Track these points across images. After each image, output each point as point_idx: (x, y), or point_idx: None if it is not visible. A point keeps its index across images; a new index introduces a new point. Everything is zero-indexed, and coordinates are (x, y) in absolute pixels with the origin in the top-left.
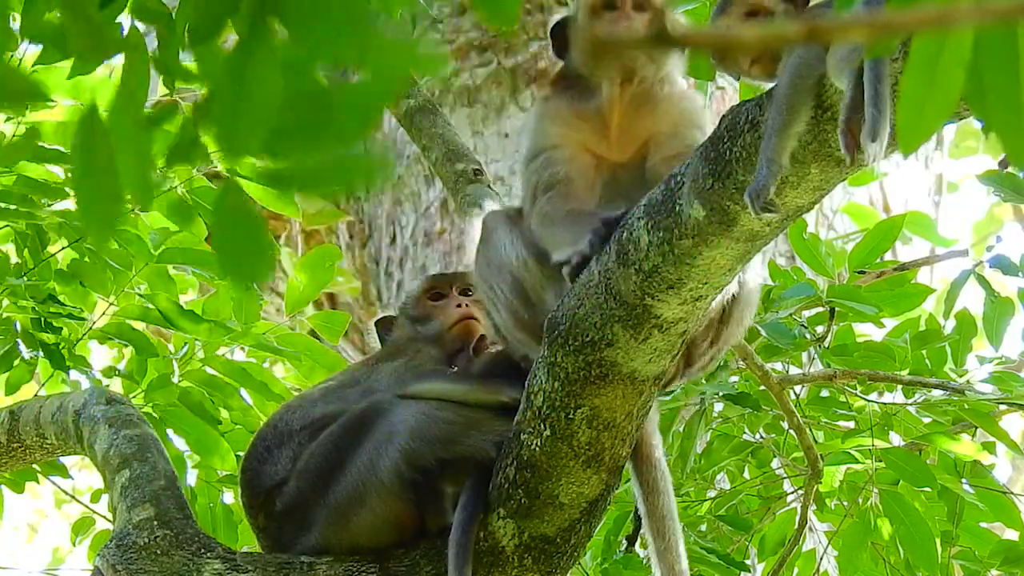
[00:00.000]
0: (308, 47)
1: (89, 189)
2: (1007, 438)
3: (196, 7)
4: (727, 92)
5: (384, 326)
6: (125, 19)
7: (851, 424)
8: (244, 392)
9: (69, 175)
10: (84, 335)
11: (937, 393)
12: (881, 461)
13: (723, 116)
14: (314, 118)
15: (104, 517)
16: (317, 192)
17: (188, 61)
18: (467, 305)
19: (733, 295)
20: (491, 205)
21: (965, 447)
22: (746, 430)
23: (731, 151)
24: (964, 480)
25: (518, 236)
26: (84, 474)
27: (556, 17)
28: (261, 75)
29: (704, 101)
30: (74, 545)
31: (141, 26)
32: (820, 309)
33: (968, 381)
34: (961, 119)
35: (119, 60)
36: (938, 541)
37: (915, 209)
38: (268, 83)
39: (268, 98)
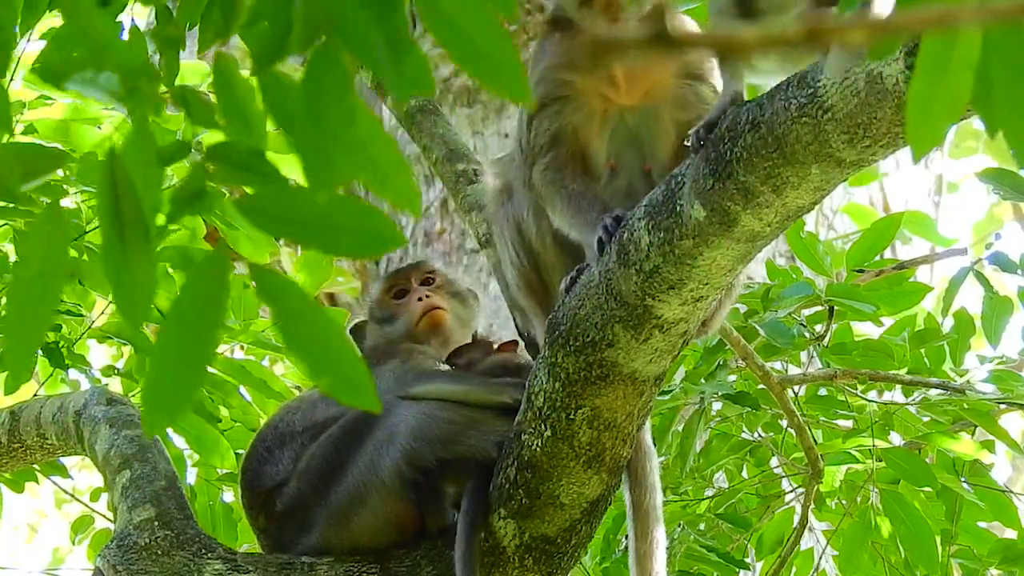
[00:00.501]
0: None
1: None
2: (1007, 437)
3: (257, 31)
4: None
5: (359, 332)
6: (126, 19)
7: (850, 423)
8: (244, 390)
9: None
10: (83, 334)
11: (936, 392)
12: (881, 460)
13: (723, 116)
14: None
15: (104, 516)
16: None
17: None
18: (428, 295)
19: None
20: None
21: (964, 446)
22: (745, 429)
23: (732, 151)
24: (963, 479)
25: (541, 208)
26: (84, 474)
27: None
28: (334, 95)
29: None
30: (74, 545)
31: (141, 23)
32: (819, 308)
33: (968, 380)
34: (963, 119)
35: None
36: (938, 540)
37: (915, 209)
38: (344, 106)
39: (346, 115)
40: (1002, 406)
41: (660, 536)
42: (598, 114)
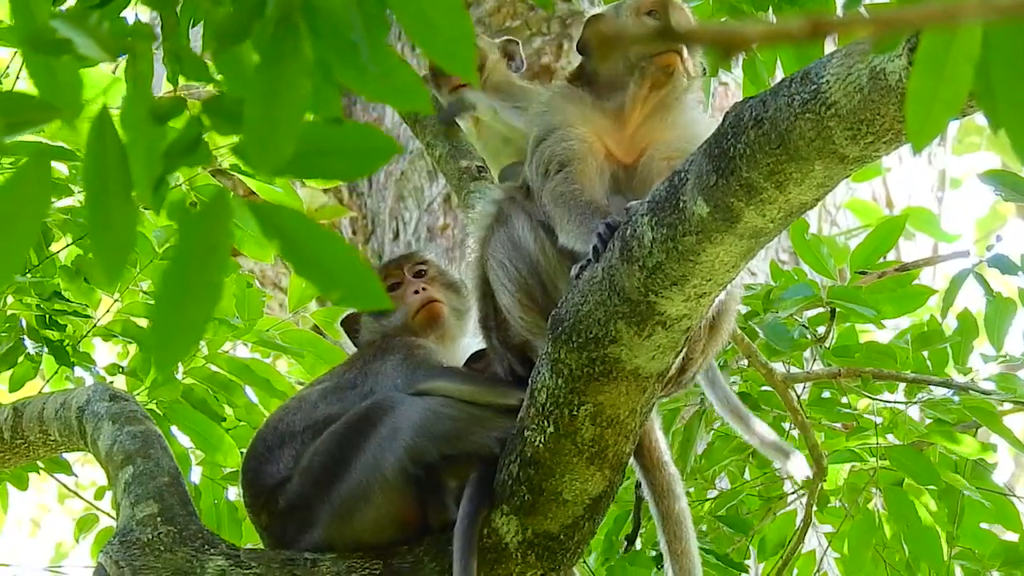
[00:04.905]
0: (332, 50)
1: (101, 216)
2: (1011, 436)
3: (217, 12)
4: (730, 88)
5: (350, 324)
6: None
7: (853, 424)
8: (248, 389)
9: (80, 182)
10: (88, 332)
11: (940, 392)
12: (885, 460)
13: (727, 113)
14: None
15: (107, 513)
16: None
17: (204, 59)
18: (424, 288)
19: (720, 302)
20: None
21: (967, 447)
22: None
23: (735, 148)
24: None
25: (537, 222)
26: (87, 469)
27: (591, 11)
28: (290, 80)
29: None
30: (77, 542)
31: (145, 16)
32: (821, 309)
33: (972, 380)
34: (965, 115)
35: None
36: (942, 541)
37: (918, 205)
38: (298, 88)
39: (298, 103)
40: (1007, 405)
41: (692, 536)
42: (601, 154)
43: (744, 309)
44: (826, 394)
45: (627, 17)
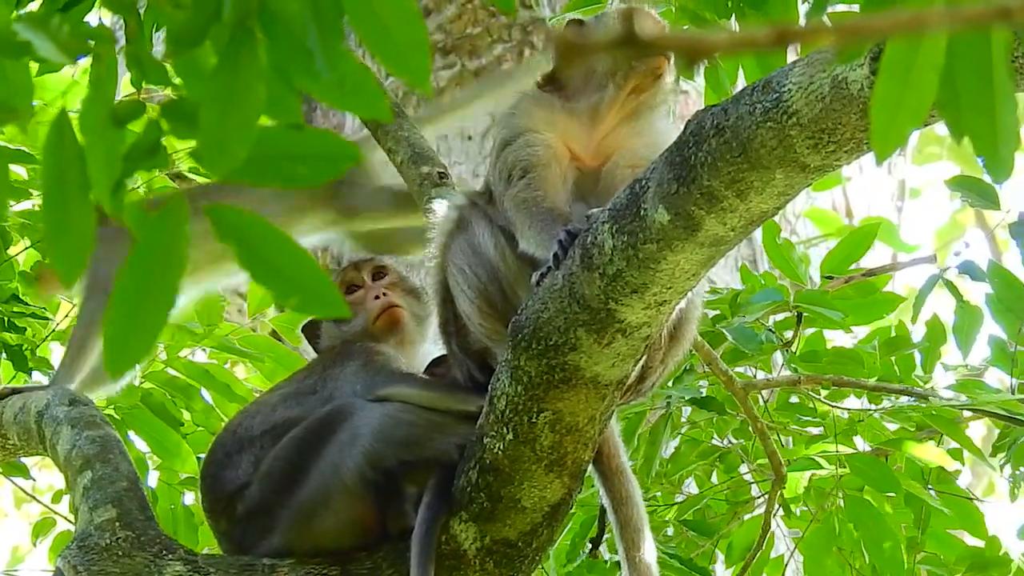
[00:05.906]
0: (287, 55)
1: (58, 212)
2: (970, 444)
3: (177, 15)
4: (690, 96)
5: (311, 330)
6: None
7: (818, 430)
8: (206, 394)
9: (38, 186)
10: (47, 336)
11: (903, 400)
12: (846, 467)
13: (688, 121)
14: (291, 150)
15: (65, 518)
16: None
17: (164, 63)
18: (385, 292)
19: (680, 310)
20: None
21: (930, 453)
22: (714, 435)
23: (696, 156)
24: (930, 487)
25: (498, 229)
26: (44, 473)
27: (568, 16)
28: (245, 85)
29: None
30: (34, 546)
31: (108, 21)
32: (789, 314)
33: (932, 387)
34: (927, 125)
35: (84, 61)
36: (903, 547)
37: (877, 214)
38: (252, 93)
39: (253, 108)
40: (967, 414)
41: (650, 543)
42: (566, 160)
43: (712, 313)
44: (794, 399)
45: (611, 25)
